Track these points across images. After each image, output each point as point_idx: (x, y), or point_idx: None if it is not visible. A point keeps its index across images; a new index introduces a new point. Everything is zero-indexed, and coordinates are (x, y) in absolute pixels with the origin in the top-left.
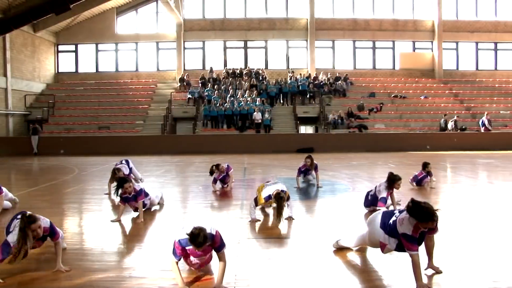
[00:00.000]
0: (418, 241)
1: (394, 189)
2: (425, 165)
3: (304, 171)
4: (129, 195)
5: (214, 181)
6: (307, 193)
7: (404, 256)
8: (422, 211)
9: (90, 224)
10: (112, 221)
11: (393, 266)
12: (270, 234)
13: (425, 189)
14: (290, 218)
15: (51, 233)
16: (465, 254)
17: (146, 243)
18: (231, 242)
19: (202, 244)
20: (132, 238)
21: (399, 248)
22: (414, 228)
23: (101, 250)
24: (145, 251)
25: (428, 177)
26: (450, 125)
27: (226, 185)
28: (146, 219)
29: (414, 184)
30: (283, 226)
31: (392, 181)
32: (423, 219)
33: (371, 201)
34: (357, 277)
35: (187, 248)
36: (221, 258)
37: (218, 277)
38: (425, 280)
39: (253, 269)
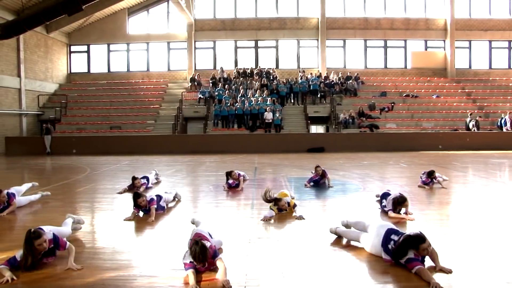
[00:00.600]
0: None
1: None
2: (431, 174)
3: (316, 180)
4: (146, 208)
5: (228, 186)
6: (318, 193)
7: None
8: (411, 241)
9: (102, 223)
10: (125, 219)
11: (405, 268)
12: (281, 233)
13: (436, 189)
14: (300, 217)
15: (56, 244)
16: (477, 254)
17: (156, 242)
18: (241, 241)
19: (206, 257)
20: (143, 237)
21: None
22: (415, 254)
23: (112, 249)
24: (155, 250)
25: (435, 180)
26: (471, 124)
27: (239, 187)
28: (157, 218)
29: (425, 186)
30: (294, 226)
31: (397, 205)
32: (416, 245)
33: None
34: (369, 277)
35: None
36: (219, 263)
37: (221, 274)
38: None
39: (264, 268)
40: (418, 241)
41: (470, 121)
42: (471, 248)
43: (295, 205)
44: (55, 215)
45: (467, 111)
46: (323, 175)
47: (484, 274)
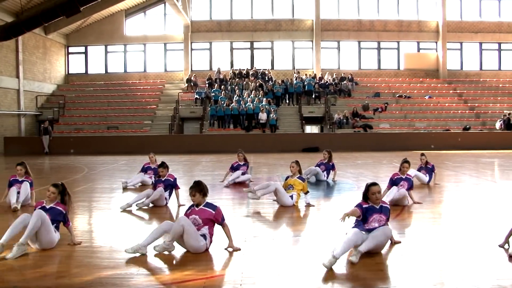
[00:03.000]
0: None
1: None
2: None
3: (319, 165)
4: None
5: (231, 168)
6: (313, 192)
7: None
8: (365, 187)
9: (99, 222)
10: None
11: (399, 266)
12: (276, 233)
13: (428, 186)
14: (309, 205)
15: None
16: (469, 252)
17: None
18: (237, 240)
19: (197, 185)
20: (140, 235)
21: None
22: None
23: (110, 247)
24: (153, 248)
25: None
26: (499, 124)
27: (241, 175)
28: (155, 216)
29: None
30: (289, 226)
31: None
32: (367, 188)
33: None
34: (363, 276)
35: (190, 209)
36: (224, 225)
37: (228, 238)
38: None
39: (259, 267)
40: (369, 184)
41: (500, 120)
42: (463, 246)
43: (307, 192)
44: None
45: (459, 111)
46: (330, 160)
47: (475, 271)
